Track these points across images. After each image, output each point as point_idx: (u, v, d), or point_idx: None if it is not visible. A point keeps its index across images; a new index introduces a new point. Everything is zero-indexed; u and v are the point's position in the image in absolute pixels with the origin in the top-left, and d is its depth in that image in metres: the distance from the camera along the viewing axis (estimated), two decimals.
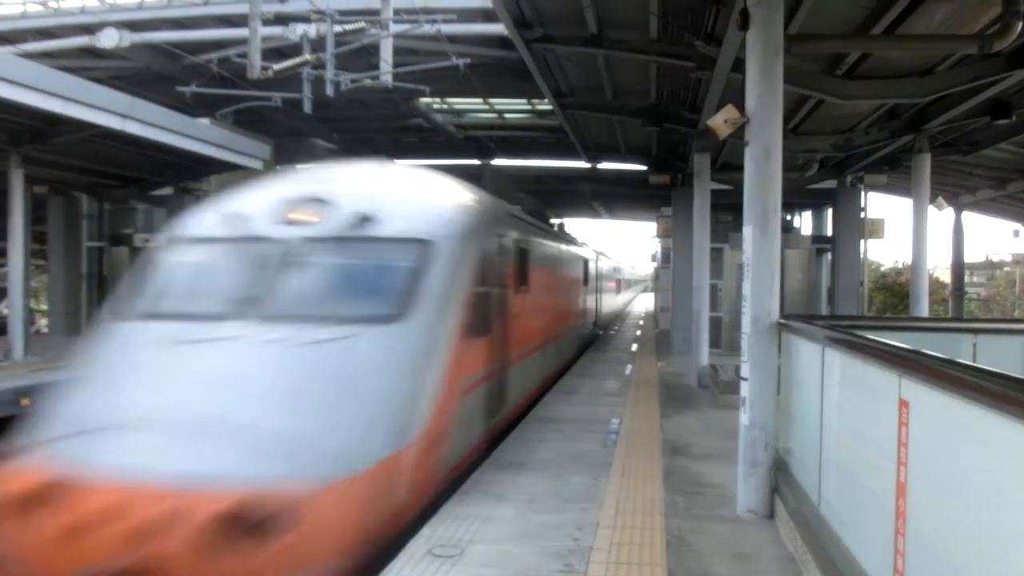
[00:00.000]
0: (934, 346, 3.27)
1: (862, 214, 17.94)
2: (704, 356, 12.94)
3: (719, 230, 15.69)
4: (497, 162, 21.92)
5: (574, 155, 19.22)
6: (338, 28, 12.69)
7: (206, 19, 14.20)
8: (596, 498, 6.01)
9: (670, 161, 17.33)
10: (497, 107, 18.38)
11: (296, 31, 13.38)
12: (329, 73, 12.59)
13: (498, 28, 12.24)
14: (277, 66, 12.41)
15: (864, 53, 9.01)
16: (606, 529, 5.29)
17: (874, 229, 17.98)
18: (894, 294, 30.33)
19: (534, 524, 5.37)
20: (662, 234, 21.98)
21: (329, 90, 12.63)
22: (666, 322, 21.51)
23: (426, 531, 5.18)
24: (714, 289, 16.74)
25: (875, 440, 3.47)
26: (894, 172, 15.70)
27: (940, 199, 15.25)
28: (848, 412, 4.20)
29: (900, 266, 32.04)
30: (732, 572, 4.63)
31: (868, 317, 16.99)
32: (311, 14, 12.72)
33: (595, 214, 36.01)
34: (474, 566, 4.59)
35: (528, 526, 5.33)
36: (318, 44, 12.86)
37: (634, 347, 19.83)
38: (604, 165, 20.18)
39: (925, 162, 12.38)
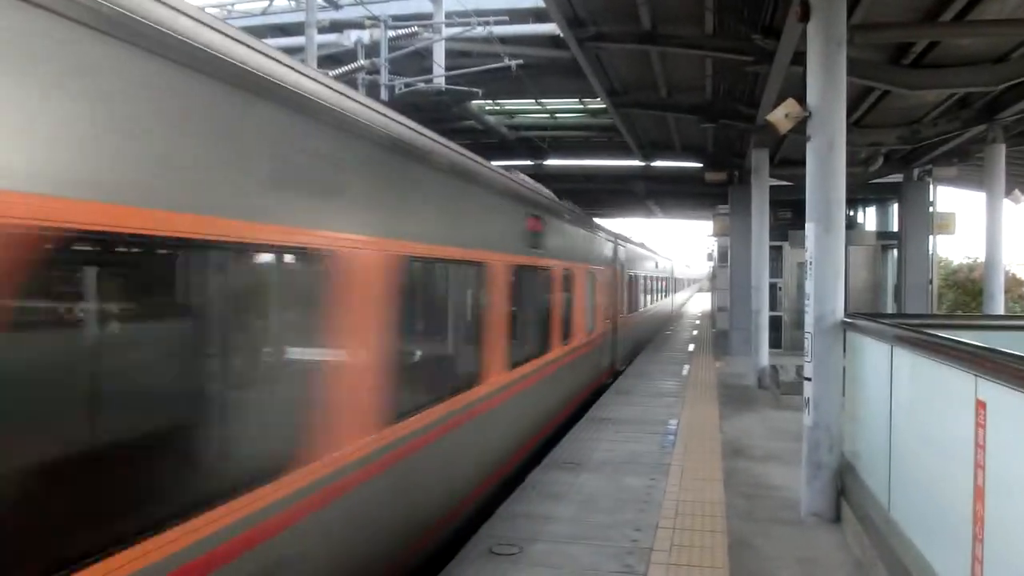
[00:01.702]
0: (1012, 345, 3.12)
1: (930, 208, 17.21)
2: (764, 356, 12.66)
3: (778, 227, 15.30)
4: (550, 162, 21.88)
5: (627, 154, 19.06)
6: (391, 33, 12.92)
7: (264, 29, 14.64)
8: (654, 499, 5.96)
9: (726, 158, 16.99)
10: (549, 107, 18.38)
11: (351, 37, 13.69)
12: (383, 78, 12.82)
13: (550, 28, 12.26)
14: (332, 72, 12.70)
15: (932, 41, 8.66)
16: (665, 530, 5.24)
17: (944, 224, 17.17)
18: (966, 292, 28.96)
19: (592, 524, 5.37)
20: (719, 232, 21.56)
21: (384, 94, 12.86)
22: (723, 322, 21.13)
23: (485, 529, 5.23)
24: (773, 288, 16.34)
25: (950, 442, 3.34)
26: (965, 164, 15.01)
27: (1016, 191, 14.41)
28: (919, 413, 4.06)
29: (972, 262, 30.52)
30: None
31: (939, 315, 16.27)
32: (365, 20, 13.00)
33: (649, 213, 35.60)
34: (534, 565, 4.62)
35: (586, 526, 5.33)
36: (372, 50, 13.12)
37: (691, 347, 19.54)
38: (658, 163, 19.93)
39: (999, 153, 11.83)
